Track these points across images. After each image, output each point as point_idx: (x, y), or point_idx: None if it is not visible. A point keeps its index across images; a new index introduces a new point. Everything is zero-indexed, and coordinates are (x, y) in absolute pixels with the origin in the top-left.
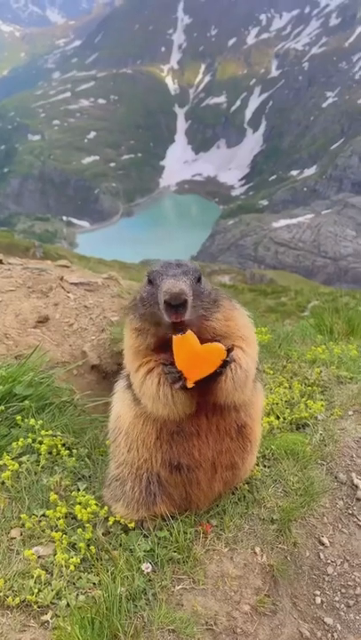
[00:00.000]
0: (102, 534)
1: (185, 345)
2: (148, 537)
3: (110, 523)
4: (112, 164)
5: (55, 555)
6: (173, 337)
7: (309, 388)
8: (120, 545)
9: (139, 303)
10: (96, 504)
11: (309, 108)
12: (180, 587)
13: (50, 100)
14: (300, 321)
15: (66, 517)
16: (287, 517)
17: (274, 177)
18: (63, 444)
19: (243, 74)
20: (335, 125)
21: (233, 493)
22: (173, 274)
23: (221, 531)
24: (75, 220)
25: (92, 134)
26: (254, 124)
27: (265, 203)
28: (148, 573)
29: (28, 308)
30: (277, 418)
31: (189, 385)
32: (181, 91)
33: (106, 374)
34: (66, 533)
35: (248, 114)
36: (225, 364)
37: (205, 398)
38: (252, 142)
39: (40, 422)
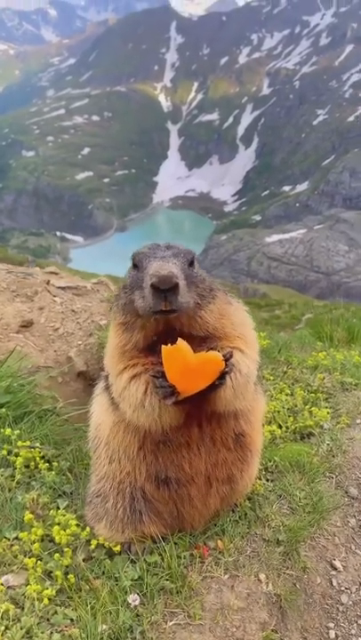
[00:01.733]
0: (83, 560)
1: (177, 357)
2: (135, 563)
3: (92, 546)
4: (106, 180)
5: (28, 584)
6: (163, 348)
7: (313, 394)
8: (103, 573)
9: (121, 292)
10: (77, 524)
11: (301, 126)
12: (173, 622)
13: (44, 116)
14: (295, 332)
15: (42, 540)
16: (295, 538)
17: (266, 192)
18: (42, 457)
19: (235, 92)
20: (326, 142)
21: (233, 511)
22: (162, 256)
23: (220, 554)
24: (68, 236)
25: (86, 150)
26: (246, 141)
27: (258, 218)
28: (135, 607)
29: (10, 313)
30: (280, 427)
31: (181, 397)
32: (174, 108)
33: (93, 382)
34: (41, 559)
35: (240, 130)
36: (223, 374)
37: (199, 407)
38: (245, 158)
39: (17, 432)
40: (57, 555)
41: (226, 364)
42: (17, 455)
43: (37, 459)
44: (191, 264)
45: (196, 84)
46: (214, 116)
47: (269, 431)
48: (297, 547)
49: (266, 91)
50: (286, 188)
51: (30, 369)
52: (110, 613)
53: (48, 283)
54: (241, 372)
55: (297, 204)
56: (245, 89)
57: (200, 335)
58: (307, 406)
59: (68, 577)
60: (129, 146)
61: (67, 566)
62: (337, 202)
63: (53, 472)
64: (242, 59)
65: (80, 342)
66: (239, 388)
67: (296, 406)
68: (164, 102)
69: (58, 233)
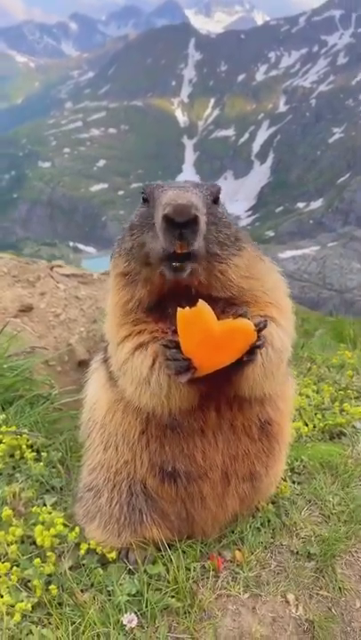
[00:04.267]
0: (70, 568)
1: (196, 324)
2: (134, 574)
3: (82, 551)
4: (120, 192)
5: None
6: (179, 311)
7: (342, 392)
8: (92, 585)
9: (127, 234)
10: (65, 524)
11: (316, 143)
12: None
13: (61, 128)
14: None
15: (22, 542)
16: (329, 552)
17: (280, 209)
18: (30, 446)
19: (251, 109)
20: (341, 160)
21: (253, 516)
22: (180, 185)
23: (238, 568)
24: (81, 246)
25: (102, 162)
26: (262, 157)
27: (271, 234)
28: (131, 629)
29: (9, 297)
30: (306, 424)
31: (198, 375)
32: (190, 123)
33: None
34: (18, 565)
35: (256, 147)
36: (254, 349)
37: (219, 388)
38: (260, 174)
39: (2, 417)
40: (37, 560)
41: (258, 336)
42: (0, 442)
43: (24, 447)
44: (216, 201)
45: (212, 101)
46: (230, 132)
47: (295, 428)
48: (332, 562)
49: (282, 108)
50: (300, 205)
51: (26, 351)
52: (99, 637)
53: (52, 269)
54: (274, 346)
55: (311, 221)
56: (262, 106)
57: (222, 297)
58: (335, 404)
59: (50, 588)
60: (144, 159)
61: (49, 575)
62: (351, 220)
63: (41, 463)
64: (259, 76)
65: (82, 329)
66: (271, 366)
67: (323, 403)
68: (181, 117)
69: (71, 243)
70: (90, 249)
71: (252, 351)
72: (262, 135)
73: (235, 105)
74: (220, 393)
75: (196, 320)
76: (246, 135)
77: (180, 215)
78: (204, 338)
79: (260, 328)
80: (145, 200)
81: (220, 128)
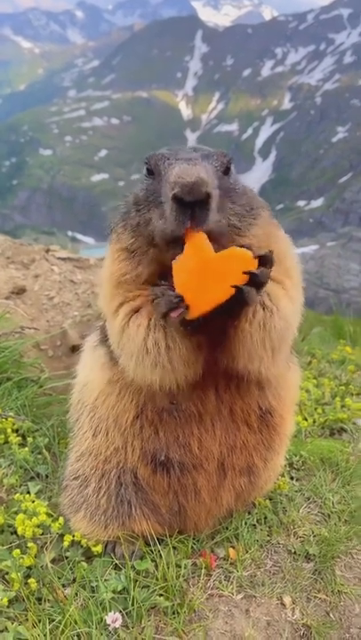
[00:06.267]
0: (52, 561)
1: (192, 250)
2: (120, 569)
3: (66, 543)
4: (121, 183)
5: None
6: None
7: (342, 387)
8: (75, 580)
9: (132, 208)
10: (48, 514)
11: (319, 142)
12: None
13: (64, 116)
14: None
15: (2, 532)
16: (329, 552)
17: (281, 206)
18: (15, 430)
19: (256, 104)
20: (344, 160)
21: (249, 512)
22: (187, 157)
23: (232, 566)
24: (80, 236)
25: (104, 152)
26: (264, 154)
27: None
28: (115, 629)
29: (2, 278)
30: (305, 419)
31: (193, 315)
32: (194, 117)
33: None
34: None
35: (259, 143)
36: (254, 279)
37: (215, 356)
38: (261, 171)
39: None
40: (17, 551)
41: (260, 263)
42: None
43: (9, 431)
44: (227, 171)
45: (217, 94)
46: (233, 127)
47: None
48: (332, 564)
49: (287, 105)
50: (301, 203)
51: (15, 331)
52: (80, 637)
53: (47, 251)
54: (279, 310)
55: (311, 220)
56: (266, 102)
57: None
58: (336, 399)
59: (29, 582)
60: (146, 151)
61: (28, 567)
62: (351, 220)
63: (27, 449)
64: (265, 72)
65: (76, 313)
66: (272, 331)
67: (324, 398)
68: (185, 110)
69: (70, 233)
70: (88, 239)
71: (251, 281)
72: (266, 131)
73: (239, 100)
74: (217, 368)
75: (190, 247)
76: (250, 131)
77: (190, 195)
78: (198, 263)
79: (260, 256)
80: (149, 171)
81: (224, 123)
